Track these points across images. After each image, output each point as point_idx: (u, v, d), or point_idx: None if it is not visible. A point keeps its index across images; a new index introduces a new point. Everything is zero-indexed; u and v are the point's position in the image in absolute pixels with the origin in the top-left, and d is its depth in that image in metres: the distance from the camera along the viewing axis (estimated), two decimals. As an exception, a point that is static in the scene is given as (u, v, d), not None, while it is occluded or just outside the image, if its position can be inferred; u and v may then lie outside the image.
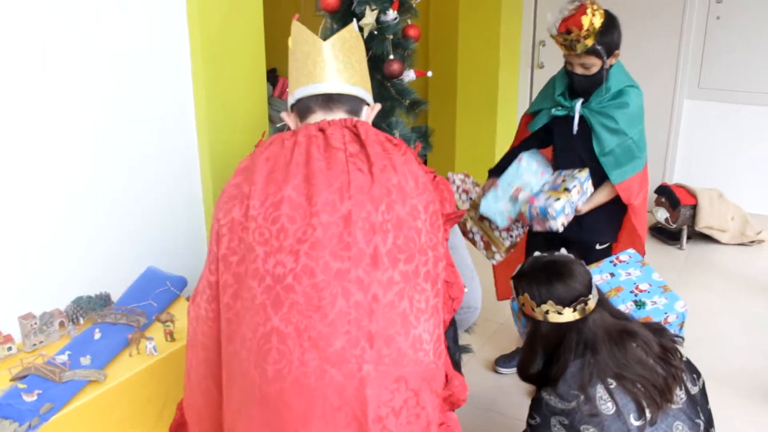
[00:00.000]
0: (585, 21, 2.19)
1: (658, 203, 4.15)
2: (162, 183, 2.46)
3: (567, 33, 2.24)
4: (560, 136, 2.48)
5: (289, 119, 1.47)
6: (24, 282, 2.03)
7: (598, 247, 2.52)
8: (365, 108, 1.46)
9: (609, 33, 2.28)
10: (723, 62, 4.26)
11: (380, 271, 1.27)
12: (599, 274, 2.18)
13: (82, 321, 2.11)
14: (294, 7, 5.08)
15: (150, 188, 2.42)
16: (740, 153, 4.35)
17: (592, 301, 1.70)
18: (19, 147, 1.96)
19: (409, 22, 2.08)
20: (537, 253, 1.86)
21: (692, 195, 4.05)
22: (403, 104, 2.08)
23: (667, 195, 4.09)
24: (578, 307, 1.68)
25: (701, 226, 4.02)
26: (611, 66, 2.34)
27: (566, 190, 2.29)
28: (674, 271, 3.80)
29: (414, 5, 2.10)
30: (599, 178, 2.39)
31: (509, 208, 2.43)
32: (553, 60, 4.79)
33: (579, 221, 2.38)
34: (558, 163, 2.51)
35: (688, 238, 4.11)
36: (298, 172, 1.31)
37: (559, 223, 2.28)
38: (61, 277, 2.15)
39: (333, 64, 1.38)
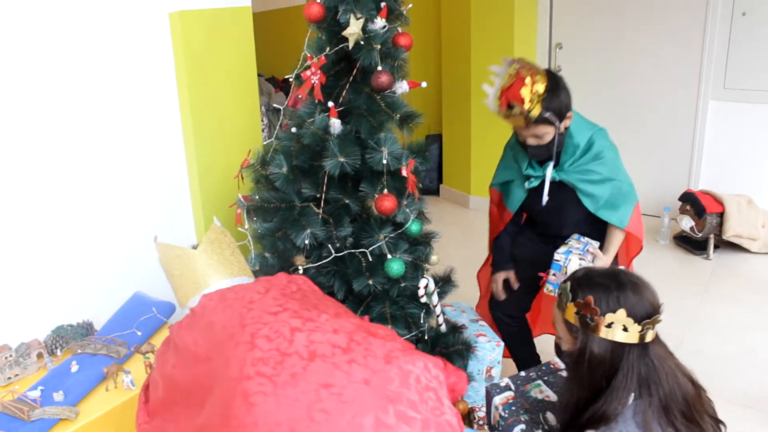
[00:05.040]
0: (525, 93, 2.00)
1: (682, 211, 3.94)
2: (150, 203, 2.38)
3: (509, 108, 2.04)
4: (546, 205, 2.28)
5: None
6: (1, 311, 1.95)
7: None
8: None
9: (556, 97, 2.05)
10: (750, 60, 4.02)
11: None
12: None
13: (59, 352, 2.01)
14: (285, 19, 4.99)
15: (137, 208, 2.34)
16: (770, 156, 4.10)
17: (655, 328, 1.47)
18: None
19: (400, 30, 1.96)
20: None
21: (719, 202, 3.84)
22: (395, 118, 1.95)
23: (691, 202, 3.88)
24: (647, 327, 1.43)
25: (729, 234, 3.80)
26: (566, 128, 2.16)
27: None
28: (701, 283, 3.60)
29: (404, 12, 1.97)
30: (600, 230, 2.26)
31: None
32: (572, 63, 4.61)
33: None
34: (543, 230, 2.37)
35: (716, 247, 3.90)
36: None
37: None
38: (43, 305, 2.07)
39: (210, 266, 1.54)
